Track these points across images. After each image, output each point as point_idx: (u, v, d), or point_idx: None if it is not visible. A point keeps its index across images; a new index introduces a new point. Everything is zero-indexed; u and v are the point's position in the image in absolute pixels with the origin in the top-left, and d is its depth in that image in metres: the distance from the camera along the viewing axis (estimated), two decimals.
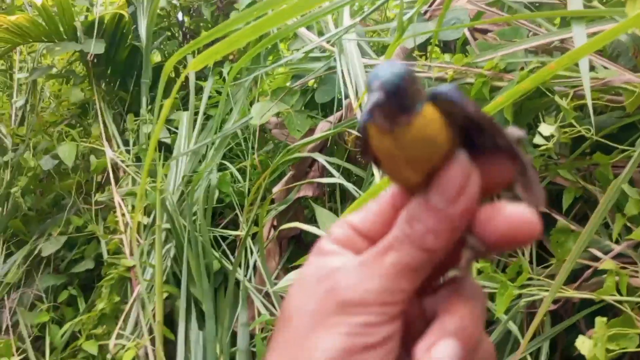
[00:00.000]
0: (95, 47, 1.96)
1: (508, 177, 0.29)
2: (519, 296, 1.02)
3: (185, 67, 2.02)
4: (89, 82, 2.22)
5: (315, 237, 1.52)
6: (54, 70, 2.37)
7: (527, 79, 0.47)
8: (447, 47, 1.66)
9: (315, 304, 0.28)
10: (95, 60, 2.20)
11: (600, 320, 0.79)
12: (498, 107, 0.45)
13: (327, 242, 0.30)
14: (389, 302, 0.27)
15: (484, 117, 0.27)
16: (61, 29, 2.05)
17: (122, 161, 1.88)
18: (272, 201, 1.60)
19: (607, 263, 0.88)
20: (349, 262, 0.28)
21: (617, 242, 0.99)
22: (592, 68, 0.99)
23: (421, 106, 0.26)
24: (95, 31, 1.99)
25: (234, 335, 1.51)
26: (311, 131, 1.58)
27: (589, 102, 0.77)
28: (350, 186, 1.37)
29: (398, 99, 0.25)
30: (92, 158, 1.98)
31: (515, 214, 0.27)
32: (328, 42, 1.53)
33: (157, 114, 0.87)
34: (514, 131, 0.28)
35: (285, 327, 0.29)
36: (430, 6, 1.55)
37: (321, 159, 1.49)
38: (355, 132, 1.39)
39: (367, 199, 0.60)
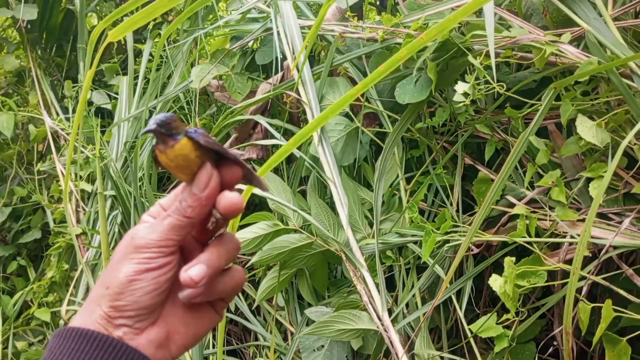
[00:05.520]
0: (27, 12, 1.90)
1: (239, 176, 0.49)
2: (447, 242, 1.10)
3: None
4: (24, 49, 2.15)
5: (261, 198, 1.56)
6: None
7: (402, 48, 0.51)
8: (383, 6, 1.69)
9: (124, 246, 0.48)
10: (28, 26, 2.12)
11: (508, 260, 0.87)
12: (379, 78, 0.49)
13: (146, 215, 0.50)
14: (163, 245, 0.47)
15: (214, 145, 0.47)
16: None
17: (62, 129, 1.85)
18: None
19: (518, 208, 0.96)
20: (148, 223, 0.49)
21: (532, 189, 1.07)
22: (508, 27, 1.05)
23: (181, 137, 0.46)
24: None
25: None
26: (253, 93, 1.60)
27: (492, 60, 0.82)
28: None
29: (164, 129, 0.46)
30: (32, 127, 1.94)
31: (229, 197, 0.47)
32: (265, 2, 1.54)
33: (85, 81, 0.88)
34: (236, 151, 0.49)
35: (110, 262, 0.48)
36: None
37: (263, 120, 1.51)
38: (294, 94, 1.42)
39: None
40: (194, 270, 0.46)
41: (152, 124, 0.46)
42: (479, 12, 1.23)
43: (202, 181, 0.47)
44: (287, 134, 1.52)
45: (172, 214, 0.48)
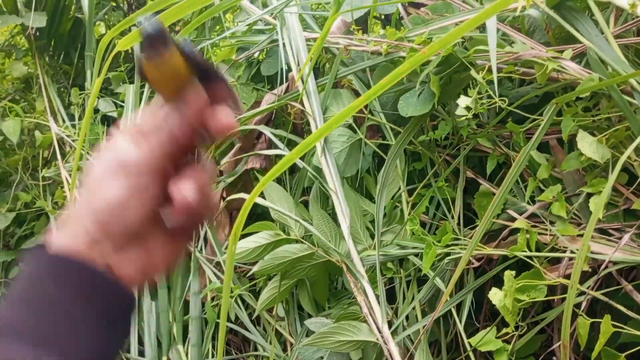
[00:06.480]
0: (36, 20, 1.92)
1: (225, 92, 0.46)
2: (448, 255, 1.10)
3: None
4: (32, 56, 2.17)
5: (264, 208, 1.57)
6: None
7: (405, 62, 0.52)
8: (388, 21, 1.70)
9: (104, 166, 0.45)
10: (37, 34, 2.15)
11: (508, 274, 0.88)
12: (382, 90, 0.49)
13: (121, 135, 0.46)
14: (150, 163, 0.44)
15: (205, 61, 0.44)
16: (0, 1, 2.00)
17: (68, 136, 1.87)
18: (221, 173, 1.64)
19: (519, 222, 0.96)
20: (131, 144, 0.45)
21: (533, 203, 1.08)
22: (511, 43, 1.06)
23: (170, 49, 0.41)
24: (36, 3, 1.94)
25: (186, 304, 1.56)
26: (257, 103, 1.61)
27: (494, 75, 0.83)
28: None
29: (161, 35, 0.40)
30: (37, 133, 1.96)
31: (223, 114, 0.44)
32: (271, 14, 1.56)
33: (93, 88, 0.89)
34: (222, 66, 0.48)
35: (86, 180, 0.45)
36: None
37: (267, 131, 1.53)
38: (298, 105, 1.43)
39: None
40: (186, 184, 0.45)
41: (150, 29, 0.40)
42: (482, 28, 1.25)
43: (191, 96, 0.44)
44: (290, 145, 1.53)
45: (158, 133, 0.45)
